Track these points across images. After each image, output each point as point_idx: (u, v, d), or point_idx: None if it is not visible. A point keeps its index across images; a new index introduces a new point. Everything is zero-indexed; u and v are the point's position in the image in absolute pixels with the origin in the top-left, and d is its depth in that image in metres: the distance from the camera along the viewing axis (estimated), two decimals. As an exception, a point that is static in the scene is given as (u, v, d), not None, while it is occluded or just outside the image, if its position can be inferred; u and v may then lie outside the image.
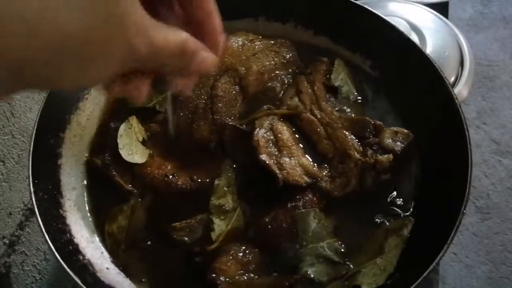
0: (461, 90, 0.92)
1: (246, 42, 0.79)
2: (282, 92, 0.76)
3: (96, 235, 0.67)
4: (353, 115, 0.73)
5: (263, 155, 0.66)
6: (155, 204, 0.68)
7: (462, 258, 0.86)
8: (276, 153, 0.68)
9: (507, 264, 0.85)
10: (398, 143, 0.68)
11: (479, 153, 0.97)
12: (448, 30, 0.98)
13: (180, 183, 0.67)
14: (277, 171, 0.65)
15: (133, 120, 0.72)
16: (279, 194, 0.65)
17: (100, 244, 0.66)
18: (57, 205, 0.66)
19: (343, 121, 0.71)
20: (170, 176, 0.68)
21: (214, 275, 0.61)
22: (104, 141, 0.72)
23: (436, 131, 0.70)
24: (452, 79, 0.93)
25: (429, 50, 0.93)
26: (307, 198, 0.65)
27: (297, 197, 0.65)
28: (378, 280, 0.61)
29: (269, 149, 0.68)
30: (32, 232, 0.86)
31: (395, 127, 0.70)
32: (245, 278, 0.62)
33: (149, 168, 0.69)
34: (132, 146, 0.70)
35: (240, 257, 0.63)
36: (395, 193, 0.68)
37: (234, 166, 0.69)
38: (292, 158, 0.68)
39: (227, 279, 0.61)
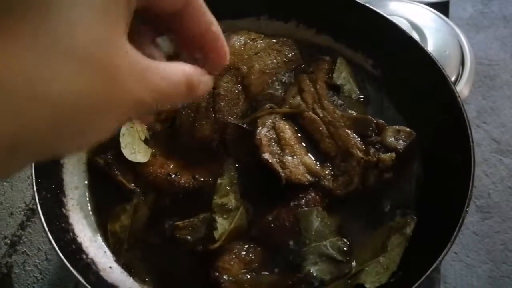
0: (462, 89, 0.92)
1: (248, 41, 0.79)
2: (284, 91, 0.76)
3: (98, 234, 0.67)
4: (355, 113, 0.74)
5: (265, 154, 0.66)
6: (158, 203, 0.68)
7: (462, 257, 0.86)
8: (279, 151, 0.68)
9: (508, 263, 0.85)
10: (401, 141, 0.68)
11: (480, 152, 0.97)
12: (449, 29, 0.99)
13: (183, 182, 0.67)
14: (280, 170, 0.65)
15: (135, 119, 0.72)
16: (282, 193, 0.65)
17: (102, 243, 0.66)
18: (60, 204, 0.66)
19: (345, 119, 0.72)
20: (173, 175, 0.68)
21: (217, 273, 0.61)
22: (106, 140, 0.72)
23: (438, 130, 0.70)
24: (453, 78, 0.93)
25: (430, 49, 0.93)
26: (310, 196, 0.65)
27: (300, 195, 0.65)
28: (381, 278, 0.61)
29: (271, 148, 0.68)
30: (33, 232, 0.86)
31: (397, 125, 0.70)
32: (248, 276, 0.62)
33: (151, 167, 0.69)
34: (134, 145, 0.70)
35: (243, 256, 0.63)
36: (397, 191, 0.68)
37: (237, 165, 0.69)
38: (295, 157, 0.68)
39: (230, 278, 0.61)
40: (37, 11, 0.23)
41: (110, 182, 0.68)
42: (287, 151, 0.68)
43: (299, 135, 0.72)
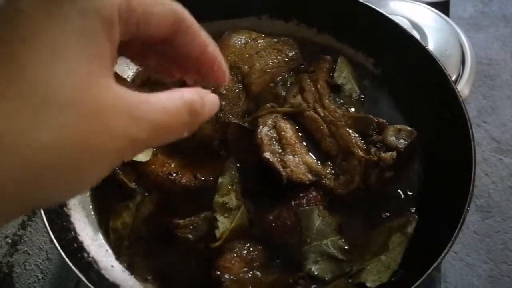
0: (462, 89, 0.92)
1: (249, 41, 0.79)
2: (285, 90, 0.77)
3: (100, 233, 0.67)
4: (356, 113, 0.74)
5: (266, 153, 0.66)
6: (159, 202, 0.68)
7: (463, 257, 0.86)
8: (280, 151, 0.68)
9: (508, 263, 0.85)
10: (402, 140, 0.68)
11: (480, 152, 0.97)
12: (449, 28, 0.99)
13: (184, 181, 0.67)
14: (281, 169, 0.65)
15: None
16: (283, 192, 0.65)
17: (104, 242, 0.66)
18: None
19: (346, 119, 0.72)
20: (174, 174, 0.68)
21: (218, 272, 0.61)
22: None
23: (439, 129, 0.70)
24: (453, 78, 0.93)
25: (430, 48, 0.93)
26: (311, 195, 0.65)
27: (301, 194, 0.65)
28: (382, 277, 0.61)
29: (272, 147, 0.68)
30: (34, 232, 0.86)
31: (398, 124, 0.70)
32: (250, 275, 0.62)
33: (153, 166, 0.69)
34: (135, 144, 0.70)
35: (244, 255, 0.63)
36: (399, 190, 0.69)
37: (238, 164, 0.69)
38: (296, 156, 0.68)
39: (232, 277, 0.61)
40: (13, 61, 0.22)
41: (111, 182, 0.68)
42: (288, 150, 0.68)
43: (300, 134, 0.72)
